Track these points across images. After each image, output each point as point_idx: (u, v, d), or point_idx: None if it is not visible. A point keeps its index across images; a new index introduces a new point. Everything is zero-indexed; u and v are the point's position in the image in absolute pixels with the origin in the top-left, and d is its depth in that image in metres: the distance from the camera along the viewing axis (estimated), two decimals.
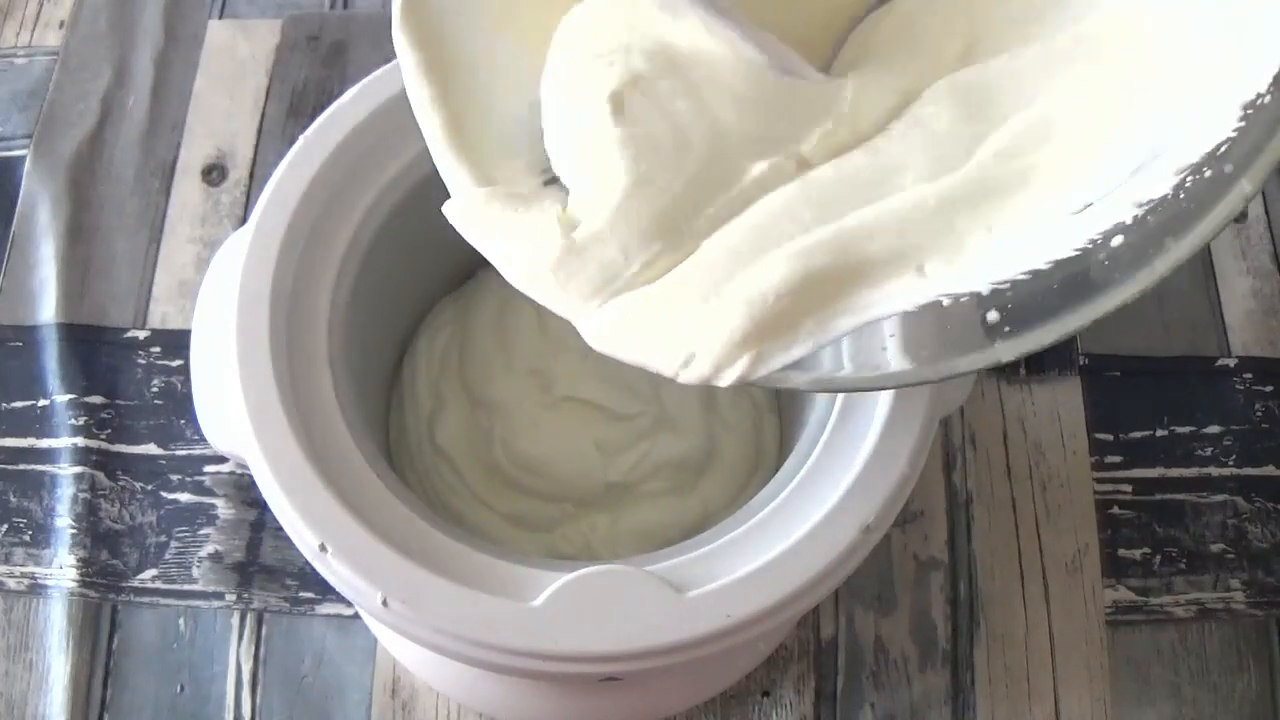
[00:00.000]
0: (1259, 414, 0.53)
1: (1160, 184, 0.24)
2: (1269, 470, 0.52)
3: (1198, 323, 0.55)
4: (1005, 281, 0.25)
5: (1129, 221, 0.24)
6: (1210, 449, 0.52)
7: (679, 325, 0.26)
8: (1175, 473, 0.52)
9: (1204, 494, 0.52)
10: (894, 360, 0.26)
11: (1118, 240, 0.24)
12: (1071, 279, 0.24)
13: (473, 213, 0.28)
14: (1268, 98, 0.22)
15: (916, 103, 0.29)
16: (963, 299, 0.25)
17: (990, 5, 0.30)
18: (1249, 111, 0.23)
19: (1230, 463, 0.52)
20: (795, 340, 0.26)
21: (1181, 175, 0.23)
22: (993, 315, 0.25)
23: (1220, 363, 0.54)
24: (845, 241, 0.26)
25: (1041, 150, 0.27)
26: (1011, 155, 0.27)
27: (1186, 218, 0.23)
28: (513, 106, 0.30)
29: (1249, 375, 0.54)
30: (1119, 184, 0.25)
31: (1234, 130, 0.23)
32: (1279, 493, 0.52)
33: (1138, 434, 0.53)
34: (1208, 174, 0.23)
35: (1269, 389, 0.54)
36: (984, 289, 0.25)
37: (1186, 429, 0.53)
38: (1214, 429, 0.53)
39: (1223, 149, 0.23)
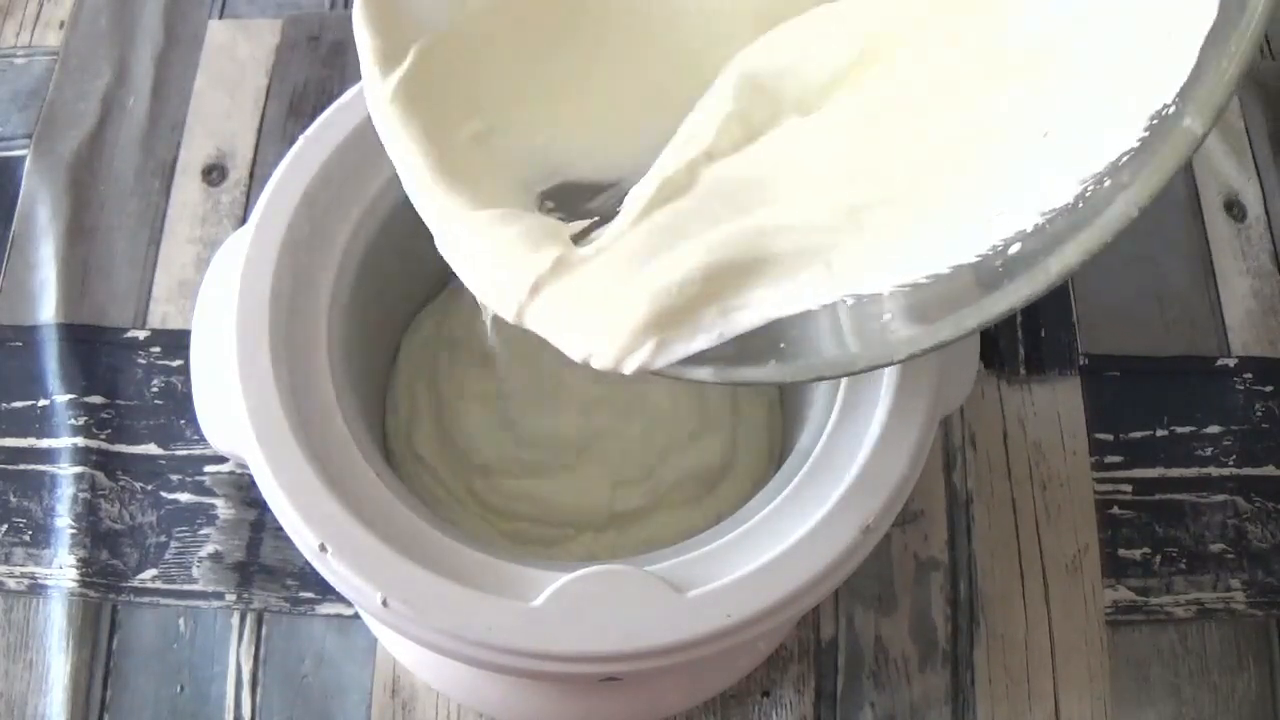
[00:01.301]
0: (1259, 414, 0.53)
1: (1064, 192, 0.24)
2: (1269, 470, 0.52)
3: (1198, 323, 0.55)
4: (906, 285, 0.25)
5: (1029, 229, 0.24)
6: (1210, 449, 0.52)
7: (589, 312, 0.27)
8: (1175, 473, 0.52)
9: (1204, 494, 0.52)
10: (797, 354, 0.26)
11: (1015, 248, 0.24)
12: (970, 284, 0.24)
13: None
14: (1172, 108, 0.22)
15: (831, 104, 0.29)
16: (864, 299, 0.26)
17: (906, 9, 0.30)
18: (1154, 121, 0.23)
19: (1230, 463, 0.52)
20: (698, 330, 0.26)
21: (1084, 184, 0.23)
22: (887, 316, 0.25)
23: (1220, 363, 0.54)
24: (752, 237, 0.27)
25: (958, 156, 0.27)
26: (926, 163, 0.27)
27: (1080, 225, 0.23)
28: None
29: (1249, 375, 0.54)
30: (1028, 191, 0.25)
31: (1138, 140, 0.23)
32: (1279, 493, 0.52)
33: (1138, 434, 0.53)
34: (1107, 183, 0.23)
35: (1269, 389, 0.54)
36: (885, 290, 0.25)
37: (1186, 429, 0.53)
38: (1214, 429, 0.53)
39: (1124, 158, 0.23)
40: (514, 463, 0.44)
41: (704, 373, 0.27)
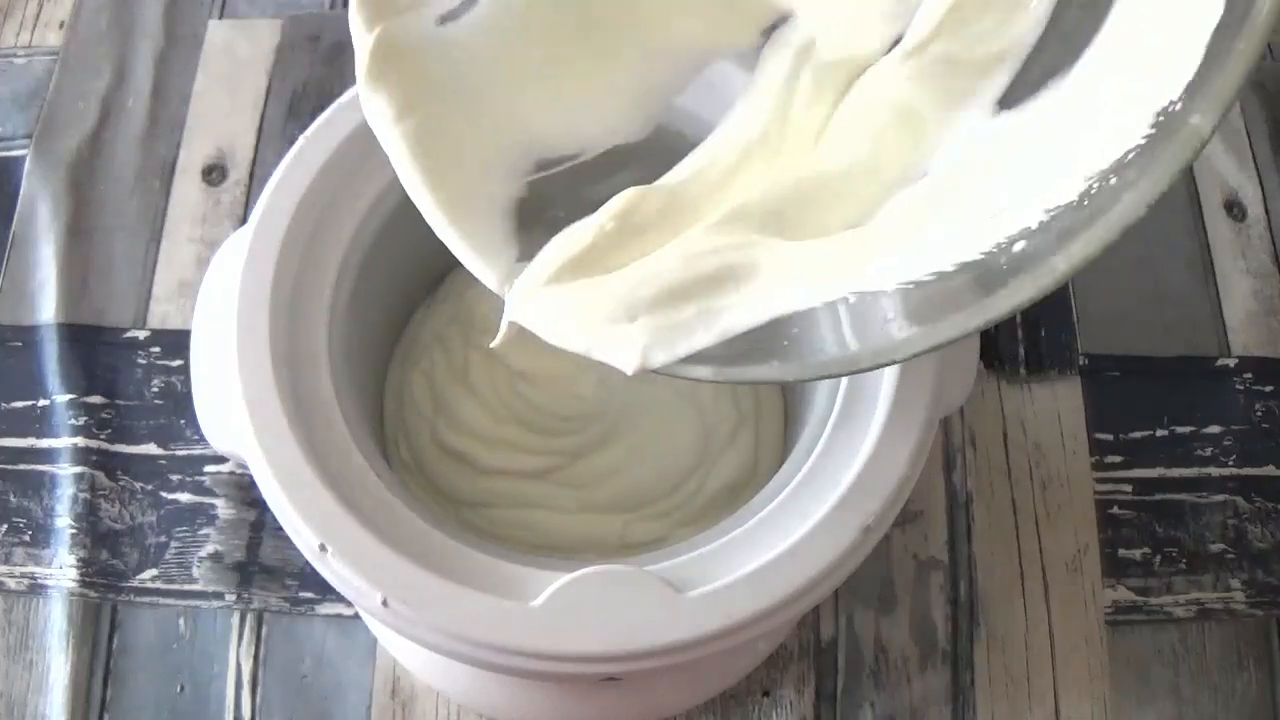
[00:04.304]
0: (1259, 414, 0.53)
1: (1069, 190, 0.24)
2: (1269, 470, 0.52)
3: (1198, 323, 0.55)
4: (910, 282, 0.25)
5: (1034, 226, 0.24)
6: (1210, 449, 0.52)
7: (584, 309, 0.27)
8: (1175, 473, 0.52)
9: (1204, 494, 0.52)
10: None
11: (1020, 245, 0.24)
12: (973, 281, 0.24)
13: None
14: (1179, 105, 0.22)
15: (851, 113, 0.30)
16: (866, 297, 0.26)
17: None
18: (1160, 119, 0.22)
19: (1230, 463, 0.52)
20: (695, 328, 0.27)
21: (1090, 182, 0.23)
22: (889, 315, 0.25)
23: (1220, 363, 0.54)
24: (757, 250, 0.27)
25: (962, 156, 0.27)
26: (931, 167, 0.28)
27: (1086, 223, 0.23)
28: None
29: (1249, 375, 0.54)
30: (1036, 188, 0.25)
31: (1143, 137, 0.23)
32: (1279, 493, 0.52)
33: (1138, 434, 0.53)
34: (1113, 181, 0.23)
35: (1269, 389, 0.54)
36: (889, 288, 0.25)
37: (1186, 429, 0.53)
38: (1214, 429, 0.53)
39: (1130, 156, 0.23)
40: (504, 496, 0.43)
41: (704, 371, 0.27)
